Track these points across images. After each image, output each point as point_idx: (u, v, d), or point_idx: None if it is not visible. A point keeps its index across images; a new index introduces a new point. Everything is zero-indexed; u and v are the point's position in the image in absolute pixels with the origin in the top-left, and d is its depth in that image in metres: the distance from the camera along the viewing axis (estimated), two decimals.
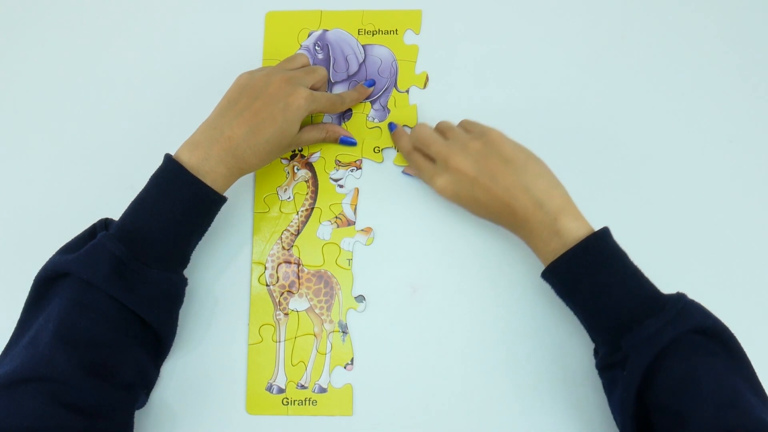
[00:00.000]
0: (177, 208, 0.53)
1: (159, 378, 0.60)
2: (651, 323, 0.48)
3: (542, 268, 0.55)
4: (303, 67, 0.63)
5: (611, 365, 0.51)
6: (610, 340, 0.51)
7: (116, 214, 0.54)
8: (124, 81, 0.69)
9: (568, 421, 0.59)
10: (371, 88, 0.67)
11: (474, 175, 0.56)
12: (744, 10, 0.69)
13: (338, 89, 0.68)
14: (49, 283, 0.51)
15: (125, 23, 0.71)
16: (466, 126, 0.61)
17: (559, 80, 0.67)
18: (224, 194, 0.56)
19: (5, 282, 0.63)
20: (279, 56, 0.68)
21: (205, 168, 0.54)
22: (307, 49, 0.69)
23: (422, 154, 0.61)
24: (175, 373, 0.61)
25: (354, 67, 0.68)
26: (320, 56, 0.69)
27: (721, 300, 0.61)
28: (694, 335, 0.48)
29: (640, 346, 0.48)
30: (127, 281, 0.51)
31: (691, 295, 0.51)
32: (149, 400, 0.59)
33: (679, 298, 0.50)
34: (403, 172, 0.65)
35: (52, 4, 0.72)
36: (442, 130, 0.62)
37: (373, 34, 0.69)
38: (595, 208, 0.65)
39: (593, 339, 0.54)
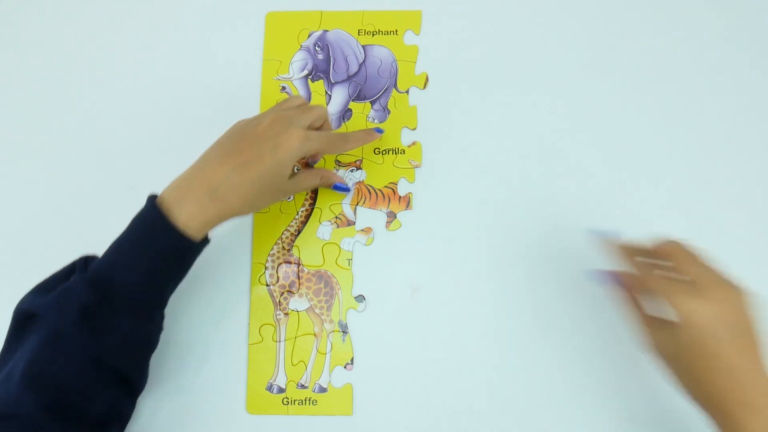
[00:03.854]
0: (152, 258, 0.51)
1: (159, 378, 0.60)
2: None
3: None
4: (299, 106, 0.59)
5: None
6: None
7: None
8: (123, 80, 0.69)
9: (568, 421, 0.59)
10: (381, 134, 0.64)
11: (734, 320, 0.45)
12: (744, 10, 0.69)
13: (338, 89, 0.68)
14: (27, 317, 0.51)
15: (124, 23, 0.71)
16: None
17: (560, 80, 0.67)
18: (206, 236, 0.54)
19: (3, 284, 0.63)
20: (279, 56, 0.68)
21: (177, 209, 0.51)
22: (307, 50, 0.69)
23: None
24: (175, 373, 0.61)
25: (354, 68, 0.68)
26: (320, 56, 0.69)
27: None
28: None
29: None
30: (94, 329, 0.49)
31: None
32: (149, 400, 0.59)
33: None
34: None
35: (50, 6, 0.72)
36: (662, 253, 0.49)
37: (373, 35, 0.69)
38: (598, 206, 0.65)
39: None
